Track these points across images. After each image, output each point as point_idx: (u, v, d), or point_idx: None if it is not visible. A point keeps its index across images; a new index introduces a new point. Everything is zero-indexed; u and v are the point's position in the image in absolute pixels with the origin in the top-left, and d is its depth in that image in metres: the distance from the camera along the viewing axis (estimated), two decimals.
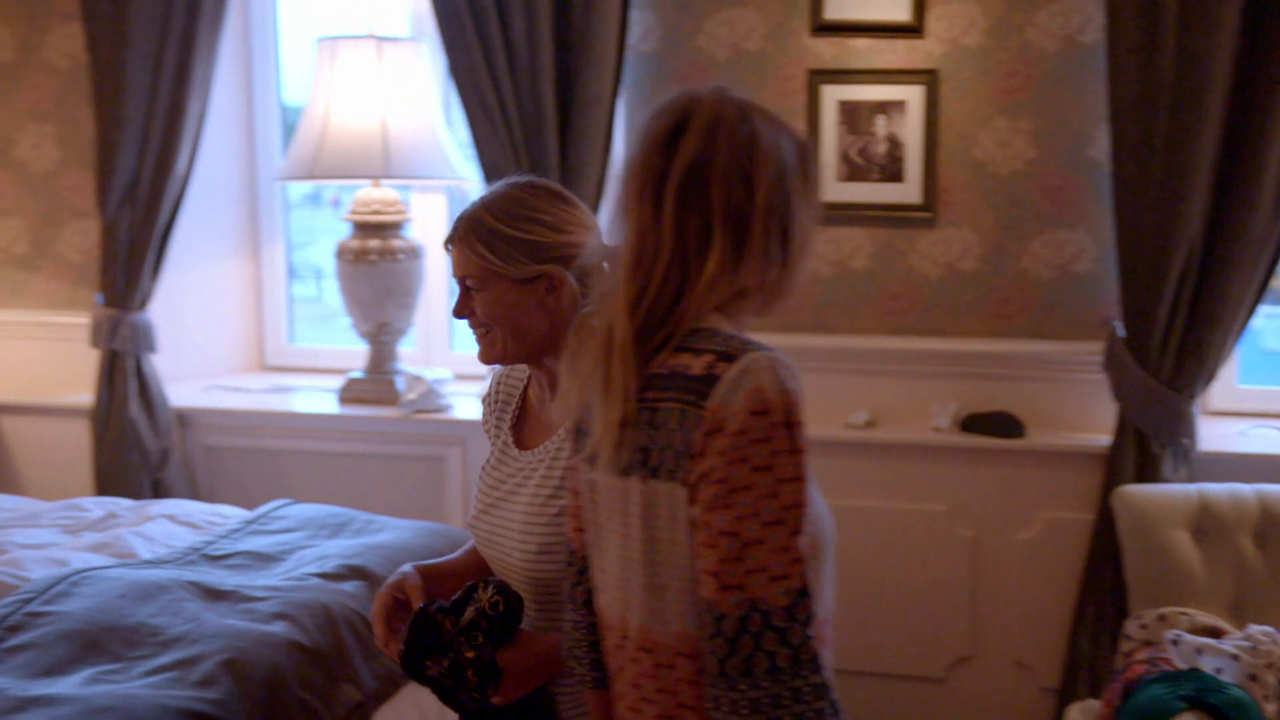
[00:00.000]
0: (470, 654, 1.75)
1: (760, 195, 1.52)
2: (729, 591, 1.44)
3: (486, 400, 2.15)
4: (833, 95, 3.73)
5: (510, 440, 2.06)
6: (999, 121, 3.68)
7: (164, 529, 3.17)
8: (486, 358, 1.97)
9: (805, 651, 1.43)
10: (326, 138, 4.03)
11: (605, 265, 1.68)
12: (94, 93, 4.21)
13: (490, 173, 3.88)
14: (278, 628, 2.51)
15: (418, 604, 1.87)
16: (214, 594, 2.63)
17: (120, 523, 3.26)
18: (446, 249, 1.98)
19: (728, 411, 1.45)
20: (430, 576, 2.02)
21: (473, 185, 4.20)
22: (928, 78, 3.65)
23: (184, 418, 4.36)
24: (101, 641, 2.41)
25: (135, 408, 4.26)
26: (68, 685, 2.25)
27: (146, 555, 2.95)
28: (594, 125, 3.81)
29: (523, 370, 2.10)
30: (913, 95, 3.67)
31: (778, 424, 1.44)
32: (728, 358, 1.48)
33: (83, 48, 4.25)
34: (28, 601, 2.50)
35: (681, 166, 1.53)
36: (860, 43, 3.71)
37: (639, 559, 1.55)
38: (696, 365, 1.50)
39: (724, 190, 1.52)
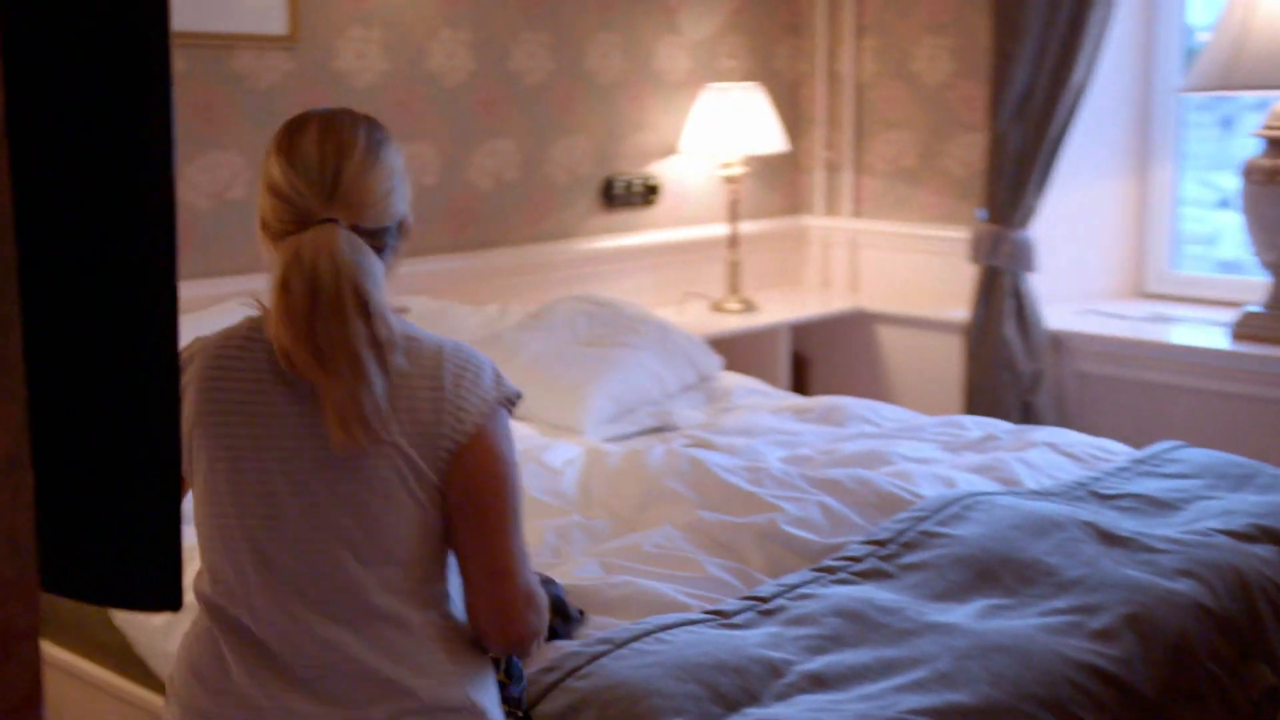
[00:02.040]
0: None
1: None
2: None
3: None
4: None
5: None
6: None
7: (1046, 458, 3.02)
8: None
9: None
10: (1246, 43, 3.61)
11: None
12: (993, 4, 4.11)
13: None
14: (1183, 585, 2.26)
15: None
16: (1110, 538, 2.43)
17: (1000, 446, 3.15)
18: None
19: None
20: None
21: None
22: None
23: (1058, 341, 4.20)
24: (995, 572, 2.31)
25: (1010, 327, 4.16)
26: (962, 614, 2.17)
27: (1031, 484, 2.81)
28: None
29: None
30: None
31: None
32: None
33: None
34: (922, 520, 2.45)
35: None
36: None
37: None
38: None
39: None
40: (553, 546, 2.48)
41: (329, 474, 1.61)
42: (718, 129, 4.34)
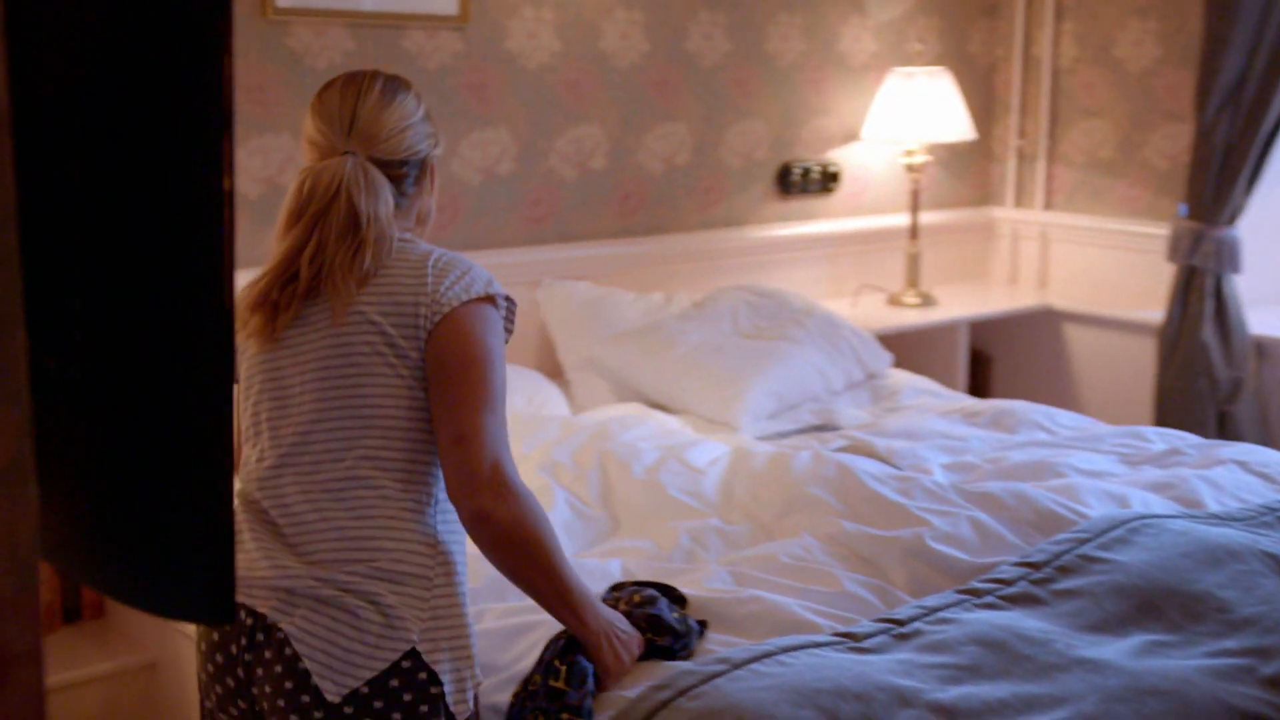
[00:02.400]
0: None
1: None
2: None
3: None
4: None
5: None
6: None
7: (1234, 477, 2.79)
8: None
9: None
10: None
11: None
12: None
13: None
14: None
15: None
16: None
17: (1184, 461, 2.93)
18: None
19: None
20: None
21: None
22: None
23: (1263, 348, 3.91)
24: (1158, 604, 2.12)
25: (1209, 331, 3.90)
26: (1116, 650, 2.00)
27: (1214, 507, 2.60)
28: None
29: None
30: None
31: None
32: None
33: None
34: (1083, 542, 2.28)
35: None
36: None
37: None
38: None
39: None
40: (686, 550, 2.38)
41: (323, 354, 1.78)
42: (902, 115, 4.16)
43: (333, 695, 1.67)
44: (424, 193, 1.91)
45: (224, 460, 1.03)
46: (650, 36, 3.84)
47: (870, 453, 2.97)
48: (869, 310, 4.15)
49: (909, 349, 4.09)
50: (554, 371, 3.66)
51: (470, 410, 1.73)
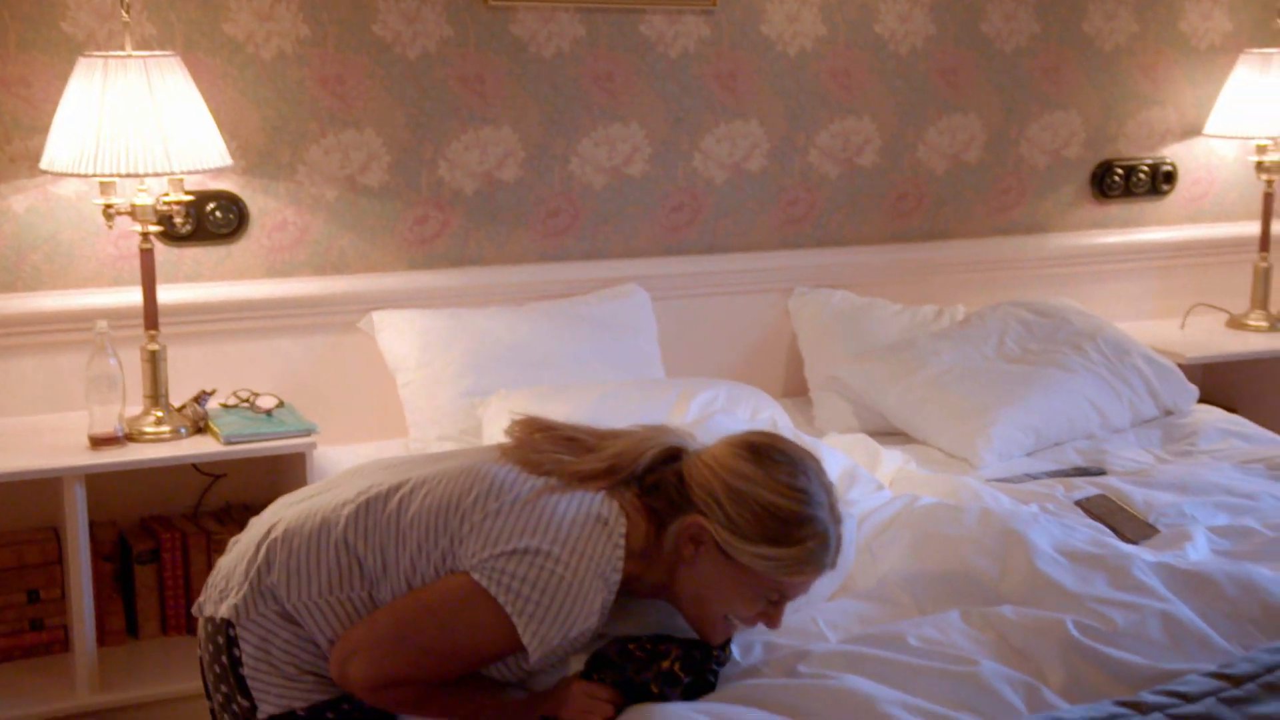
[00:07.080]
0: None
1: None
2: None
3: None
4: None
5: None
6: None
7: None
8: None
9: None
10: None
11: None
12: None
13: None
14: None
15: None
16: None
17: None
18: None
19: None
20: None
21: None
22: None
23: None
24: None
25: None
26: None
27: None
28: None
29: None
30: None
31: None
32: None
33: None
34: None
35: None
36: None
37: None
38: None
39: None
40: (800, 624, 1.96)
41: None
42: (1257, 105, 3.52)
43: None
44: None
45: None
46: (937, 18, 3.41)
47: (1120, 507, 2.47)
48: (1203, 334, 3.54)
49: (1252, 382, 3.46)
50: (800, 389, 3.31)
51: None
